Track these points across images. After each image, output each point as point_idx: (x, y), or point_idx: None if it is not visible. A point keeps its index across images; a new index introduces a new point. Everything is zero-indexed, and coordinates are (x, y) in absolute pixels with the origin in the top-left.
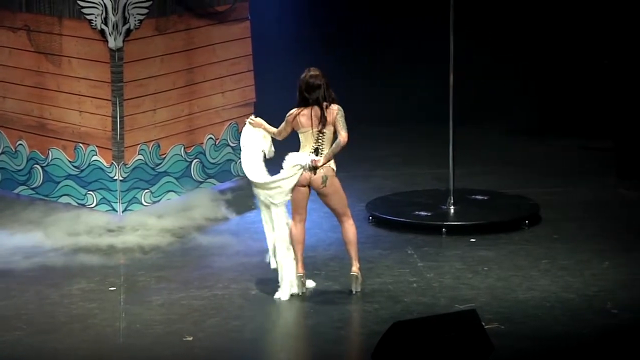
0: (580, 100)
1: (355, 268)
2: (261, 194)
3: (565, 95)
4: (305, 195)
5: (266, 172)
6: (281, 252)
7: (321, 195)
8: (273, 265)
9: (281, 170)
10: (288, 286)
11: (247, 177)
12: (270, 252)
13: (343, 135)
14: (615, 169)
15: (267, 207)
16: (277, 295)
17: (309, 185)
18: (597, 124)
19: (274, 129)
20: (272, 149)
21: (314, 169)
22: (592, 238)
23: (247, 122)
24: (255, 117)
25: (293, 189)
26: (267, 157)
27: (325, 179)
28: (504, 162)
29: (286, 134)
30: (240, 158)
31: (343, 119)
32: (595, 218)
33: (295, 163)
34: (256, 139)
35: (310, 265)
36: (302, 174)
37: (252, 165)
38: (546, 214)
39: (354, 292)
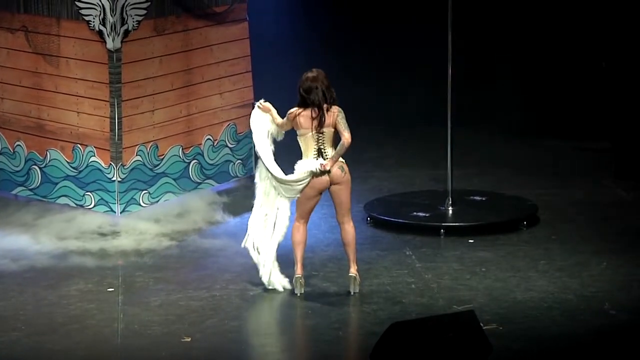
0: (578, 102)
1: (353, 269)
2: (274, 182)
3: (563, 96)
4: (315, 202)
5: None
6: (264, 240)
7: (339, 186)
8: (243, 244)
9: (294, 172)
10: (267, 271)
11: (261, 166)
12: (249, 231)
13: (346, 137)
14: (613, 170)
15: (278, 194)
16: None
17: (323, 190)
18: (595, 125)
19: (279, 119)
20: (282, 131)
21: (323, 173)
22: (590, 239)
23: (256, 106)
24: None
25: (303, 190)
26: (277, 139)
27: (342, 169)
28: (501, 163)
29: (287, 128)
30: (237, 159)
31: (344, 120)
32: (593, 219)
33: (305, 169)
34: (264, 122)
35: (308, 266)
36: (312, 179)
37: (268, 156)
38: (544, 215)
39: (352, 293)
